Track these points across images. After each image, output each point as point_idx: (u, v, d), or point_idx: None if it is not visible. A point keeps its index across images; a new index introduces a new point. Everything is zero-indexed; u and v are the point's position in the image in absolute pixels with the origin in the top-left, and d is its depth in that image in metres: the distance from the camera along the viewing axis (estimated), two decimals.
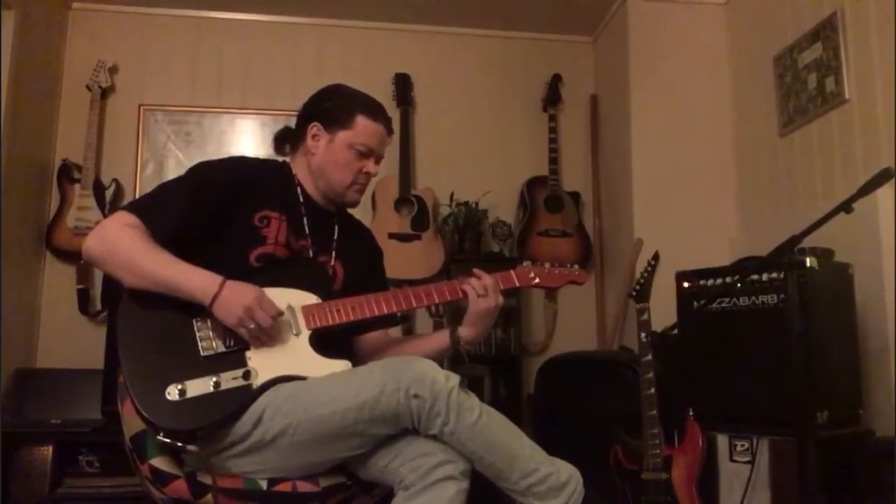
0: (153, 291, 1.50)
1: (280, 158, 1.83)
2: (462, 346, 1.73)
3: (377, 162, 1.76)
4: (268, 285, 1.59)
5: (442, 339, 1.77)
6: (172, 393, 1.45)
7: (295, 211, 1.72)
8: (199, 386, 1.47)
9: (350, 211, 1.88)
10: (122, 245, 1.50)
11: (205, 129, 3.82)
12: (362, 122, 1.71)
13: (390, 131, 1.79)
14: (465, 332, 1.73)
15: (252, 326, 1.49)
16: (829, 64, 2.81)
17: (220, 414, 1.46)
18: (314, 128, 1.73)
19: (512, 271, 1.78)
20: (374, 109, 1.74)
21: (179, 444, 1.45)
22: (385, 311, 1.65)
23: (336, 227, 1.80)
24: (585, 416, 2.73)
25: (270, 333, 1.52)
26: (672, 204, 3.45)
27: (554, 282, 1.80)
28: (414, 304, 1.68)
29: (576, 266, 1.84)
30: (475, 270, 1.73)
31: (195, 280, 1.49)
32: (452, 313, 1.75)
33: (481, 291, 1.69)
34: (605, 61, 4.01)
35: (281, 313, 1.54)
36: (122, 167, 3.69)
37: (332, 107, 1.73)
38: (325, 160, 1.72)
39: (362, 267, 1.83)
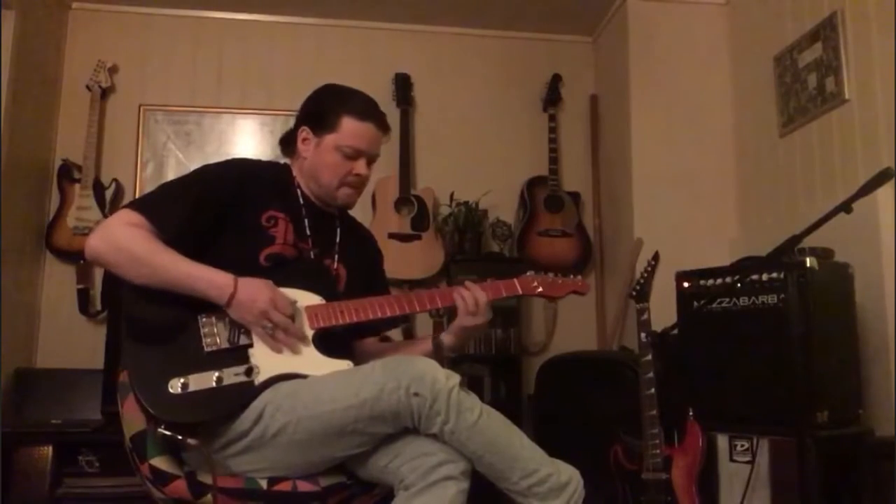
0: (162, 289, 1.50)
1: (283, 160, 1.83)
2: (445, 352, 1.73)
3: (370, 162, 1.73)
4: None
5: (427, 344, 1.77)
6: (175, 386, 1.45)
7: (297, 213, 1.72)
8: (202, 380, 1.47)
9: (350, 211, 1.88)
10: (130, 243, 1.50)
11: (205, 128, 3.82)
12: (348, 124, 1.69)
13: (384, 129, 1.74)
14: (447, 339, 1.73)
15: (269, 326, 1.52)
16: (829, 64, 2.81)
17: (222, 409, 1.47)
18: (304, 131, 1.73)
19: (515, 280, 1.77)
20: (361, 109, 1.70)
21: (180, 437, 1.45)
22: (388, 314, 1.65)
23: (338, 230, 1.80)
24: (585, 416, 2.73)
25: (289, 330, 1.55)
26: (672, 204, 3.45)
27: (557, 291, 1.81)
28: (417, 308, 1.68)
29: (579, 276, 1.85)
30: (468, 283, 1.71)
31: (209, 279, 1.50)
32: (453, 314, 1.75)
33: (472, 308, 1.68)
34: (605, 61, 4.01)
35: (294, 303, 1.56)
36: (122, 167, 3.69)
37: (318, 110, 1.73)
38: (313, 163, 1.72)
39: (365, 270, 1.83)
